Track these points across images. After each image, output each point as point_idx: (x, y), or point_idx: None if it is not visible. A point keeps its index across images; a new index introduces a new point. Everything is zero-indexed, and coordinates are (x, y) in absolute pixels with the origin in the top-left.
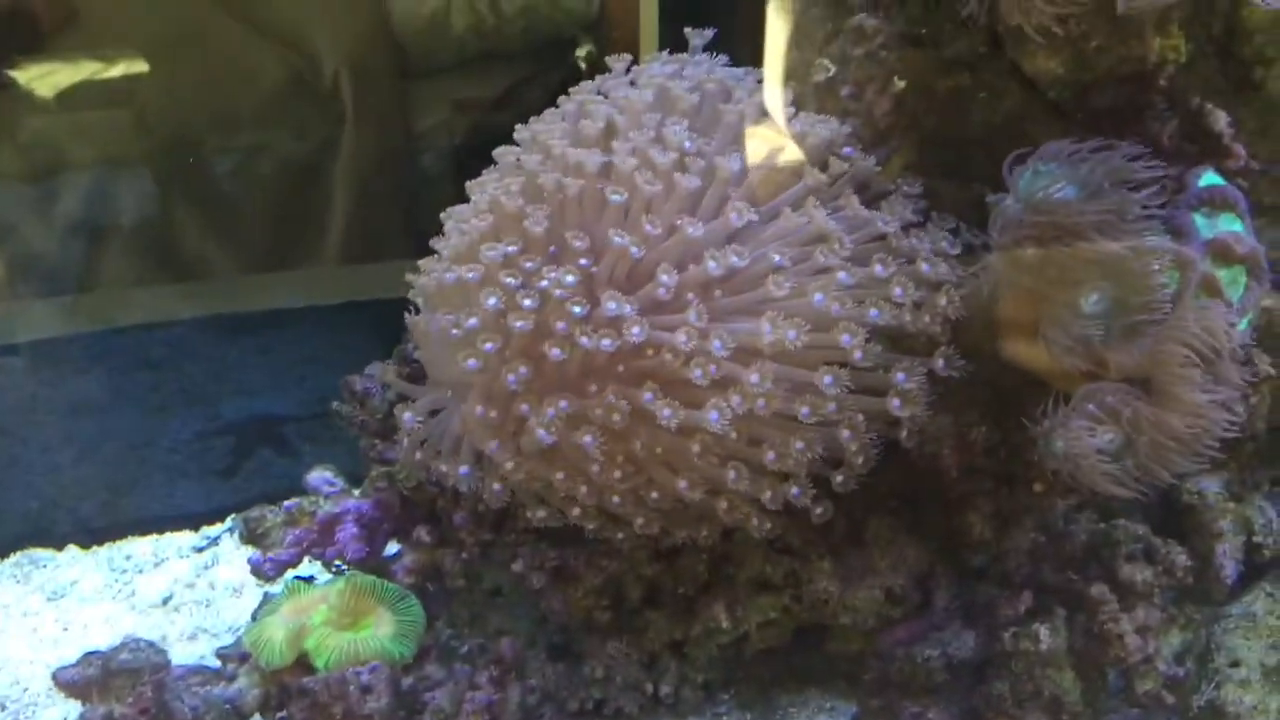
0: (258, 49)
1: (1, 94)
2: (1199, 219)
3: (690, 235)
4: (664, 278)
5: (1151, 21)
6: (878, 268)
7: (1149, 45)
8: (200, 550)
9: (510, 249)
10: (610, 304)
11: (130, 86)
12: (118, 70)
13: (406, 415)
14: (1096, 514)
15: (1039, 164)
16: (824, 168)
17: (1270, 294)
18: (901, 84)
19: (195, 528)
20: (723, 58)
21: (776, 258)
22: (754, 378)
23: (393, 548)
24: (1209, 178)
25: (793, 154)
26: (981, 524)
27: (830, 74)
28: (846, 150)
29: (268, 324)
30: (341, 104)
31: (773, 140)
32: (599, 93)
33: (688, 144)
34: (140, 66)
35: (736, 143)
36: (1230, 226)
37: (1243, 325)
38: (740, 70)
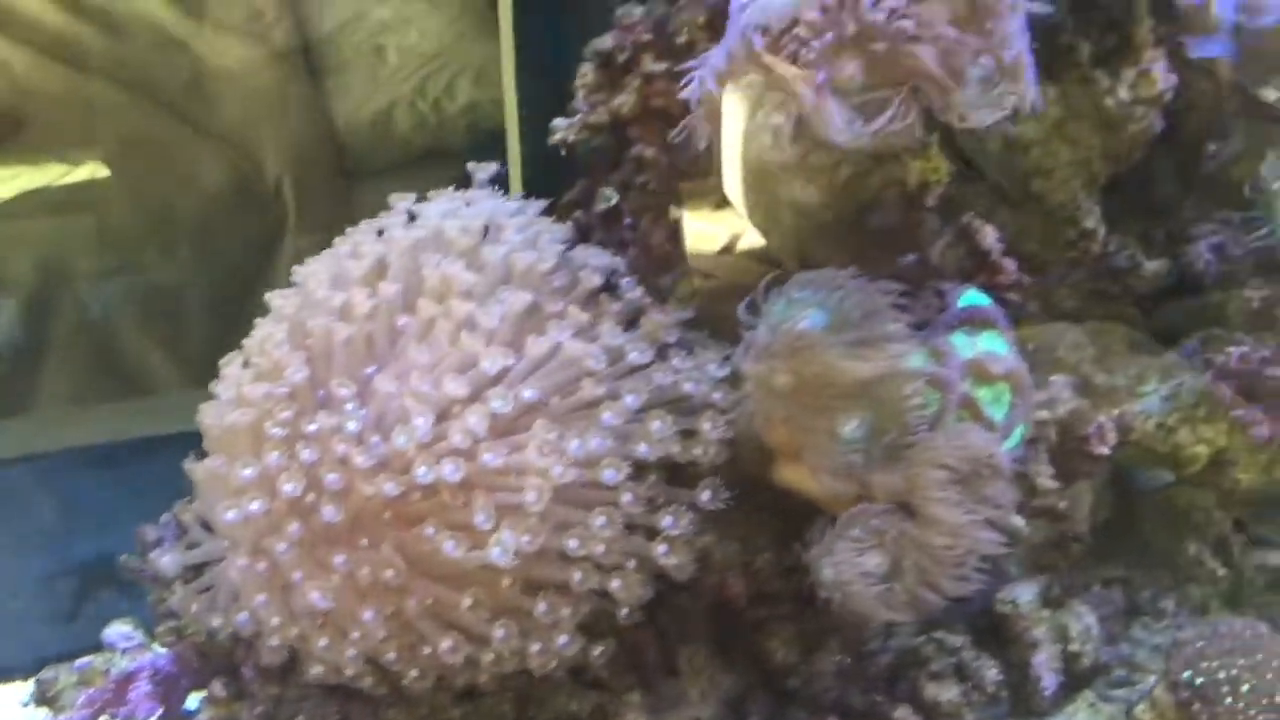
0: (202, 153)
1: None
2: (958, 339)
3: (450, 392)
4: (419, 420)
5: (903, 147)
6: (628, 398)
7: (906, 170)
8: (27, 705)
9: (279, 390)
10: (400, 439)
11: (74, 196)
12: (62, 178)
13: (165, 559)
14: (915, 628)
15: (793, 290)
16: (587, 302)
17: (1073, 398)
18: (678, 213)
19: (29, 678)
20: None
21: (528, 394)
22: (530, 495)
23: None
24: (970, 297)
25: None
26: (783, 648)
27: (612, 202)
28: (625, 280)
29: (143, 453)
30: (284, 207)
31: None
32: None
33: (457, 286)
34: (85, 174)
35: (503, 282)
36: (990, 346)
37: (1013, 442)
38: (516, 204)
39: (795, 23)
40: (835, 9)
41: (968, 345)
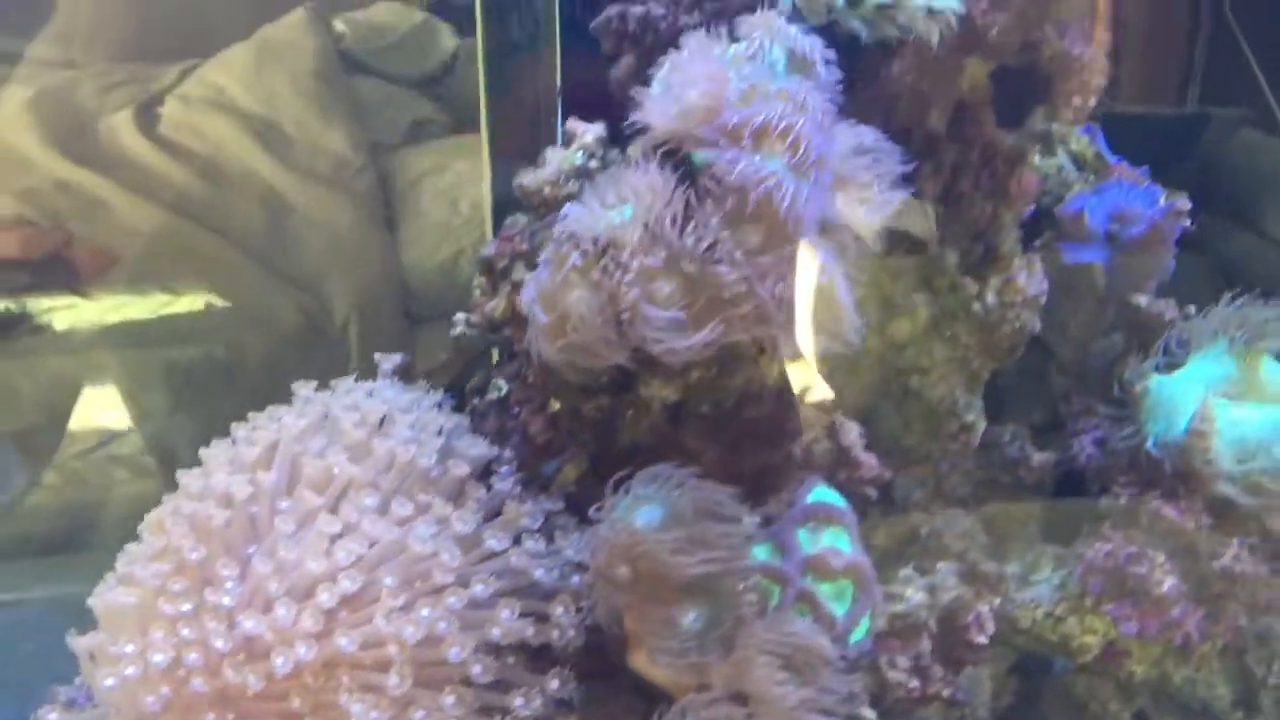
0: (276, 294)
1: (31, 336)
2: (802, 534)
3: (311, 570)
4: (280, 610)
5: (757, 351)
6: (478, 587)
7: (764, 372)
8: None
9: (163, 569)
10: (249, 623)
11: (155, 329)
12: (146, 313)
13: (50, 718)
14: None
15: (639, 487)
16: (453, 491)
17: (958, 586)
18: (556, 405)
19: None
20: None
21: (388, 580)
22: (394, 679)
23: None
24: (818, 493)
25: None
26: None
27: (503, 392)
28: (503, 469)
29: None
30: (348, 348)
31: None
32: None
33: (337, 476)
34: (168, 309)
35: (385, 472)
36: (833, 541)
37: (859, 635)
38: (411, 396)
39: (612, 241)
40: (648, 233)
41: (810, 541)
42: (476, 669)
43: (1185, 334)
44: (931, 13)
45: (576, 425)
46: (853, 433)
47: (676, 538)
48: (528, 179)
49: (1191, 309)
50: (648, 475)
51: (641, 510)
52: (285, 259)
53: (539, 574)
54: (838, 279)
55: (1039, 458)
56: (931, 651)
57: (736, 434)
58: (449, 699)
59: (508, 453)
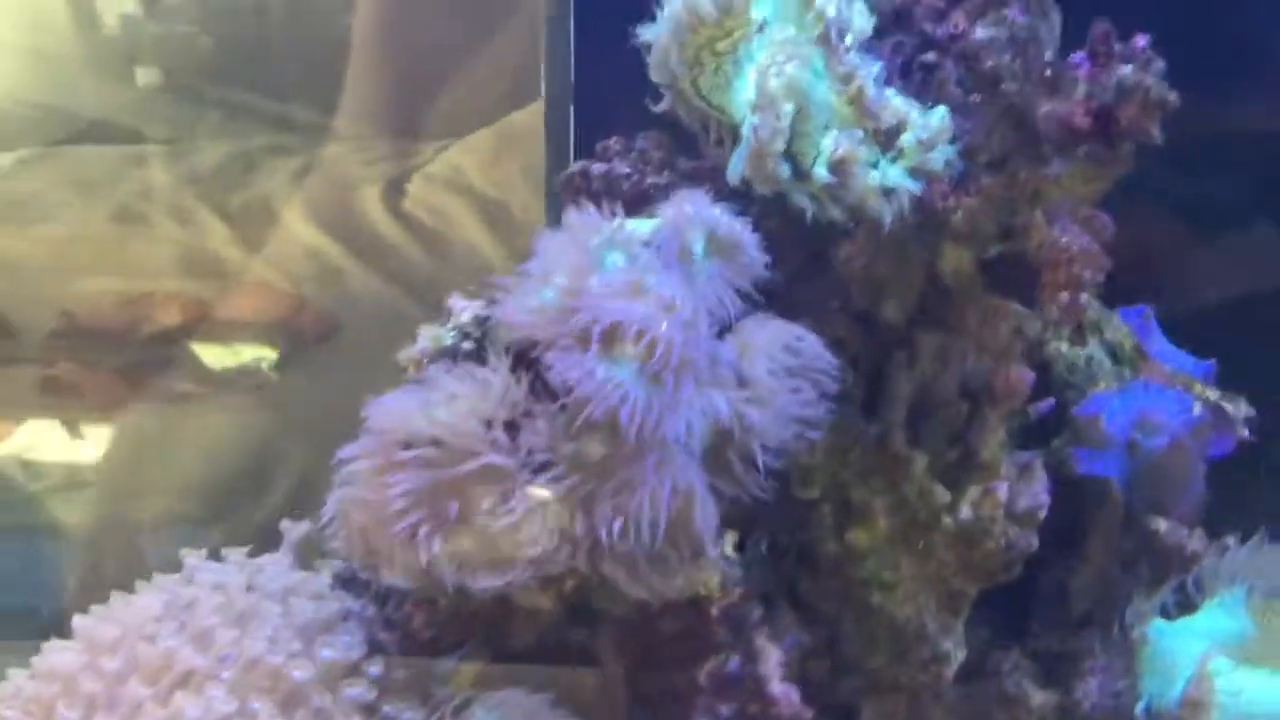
0: None
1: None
2: None
3: None
4: None
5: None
6: None
7: (675, 586)
8: None
9: None
10: None
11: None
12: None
13: None
14: None
15: (482, 711)
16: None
17: None
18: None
19: None
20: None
21: None
22: None
23: None
24: None
25: None
26: None
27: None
28: (372, 670)
29: None
30: None
31: None
32: None
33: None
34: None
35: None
36: None
37: None
38: (297, 579)
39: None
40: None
41: None
42: None
43: (1204, 574)
44: (885, 193)
45: (463, 625)
46: (772, 659)
47: None
48: (400, 354)
49: (1229, 541)
50: (493, 701)
51: None
52: None
53: None
54: (701, 501)
55: (1040, 697)
56: None
57: (649, 646)
58: None
59: (392, 647)
